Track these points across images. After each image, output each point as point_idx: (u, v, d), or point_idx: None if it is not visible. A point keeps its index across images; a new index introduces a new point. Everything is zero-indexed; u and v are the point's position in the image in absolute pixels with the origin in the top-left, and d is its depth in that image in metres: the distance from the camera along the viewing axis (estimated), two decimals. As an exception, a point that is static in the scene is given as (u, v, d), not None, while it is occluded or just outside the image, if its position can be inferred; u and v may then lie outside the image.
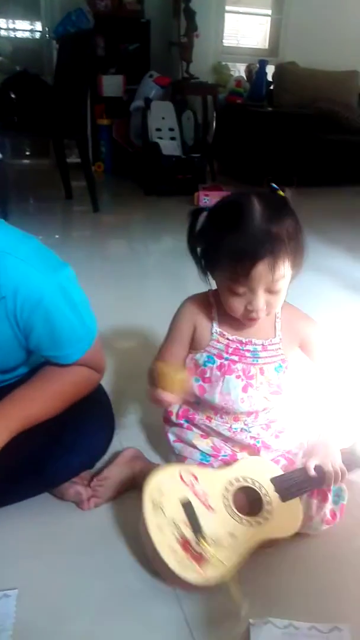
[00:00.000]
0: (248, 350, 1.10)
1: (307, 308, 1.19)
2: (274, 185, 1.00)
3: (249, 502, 1.02)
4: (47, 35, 4.82)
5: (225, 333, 1.11)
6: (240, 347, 1.10)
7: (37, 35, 5.11)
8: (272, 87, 4.93)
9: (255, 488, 1.02)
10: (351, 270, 2.68)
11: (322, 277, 2.53)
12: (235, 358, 1.10)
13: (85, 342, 1.04)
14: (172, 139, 4.28)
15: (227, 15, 5.05)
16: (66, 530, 1.07)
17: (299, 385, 1.19)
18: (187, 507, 0.96)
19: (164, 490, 0.98)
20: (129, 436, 1.34)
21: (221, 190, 3.92)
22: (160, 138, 4.20)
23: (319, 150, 4.54)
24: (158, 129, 4.24)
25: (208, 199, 3.85)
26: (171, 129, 4.30)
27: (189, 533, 0.93)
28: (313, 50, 4.99)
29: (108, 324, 1.91)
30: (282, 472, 1.06)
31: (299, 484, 1.02)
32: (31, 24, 5.07)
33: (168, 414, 1.25)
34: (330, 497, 1.04)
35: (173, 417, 1.23)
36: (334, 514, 1.05)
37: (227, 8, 5.02)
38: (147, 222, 3.68)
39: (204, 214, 1.02)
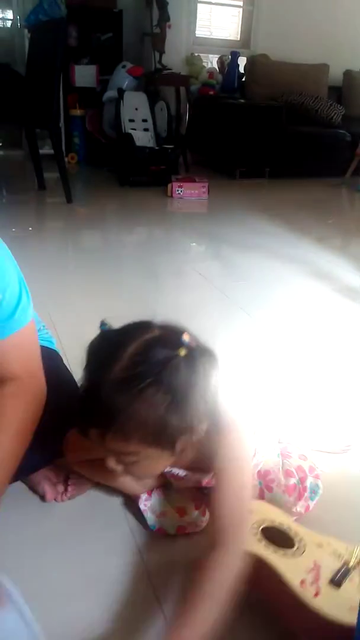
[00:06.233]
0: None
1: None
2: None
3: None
4: (19, 25, 4.78)
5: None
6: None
7: (9, 24, 5.05)
8: (244, 79, 4.97)
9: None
10: (319, 260, 2.74)
11: (292, 266, 2.57)
12: None
13: (21, 314, 0.95)
14: (146, 130, 4.29)
15: (199, 5, 5.07)
16: (39, 518, 1.09)
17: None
18: None
19: None
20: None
21: (194, 181, 3.96)
22: (134, 129, 4.21)
23: (289, 143, 4.61)
24: (131, 120, 4.25)
25: (181, 190, 3.89)
26: (144, 120, 4.31)
27: None
28: (284, 42, 5.05)
29: (81, 316, 1.93)
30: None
31: None
32: (2, 13, 5.02)
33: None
34: (306, 494, 1.04)
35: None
36: (307, 508, 1.05)
37: (200, -1, 5.02)
38: (120, 214, 3.69)
39: None
